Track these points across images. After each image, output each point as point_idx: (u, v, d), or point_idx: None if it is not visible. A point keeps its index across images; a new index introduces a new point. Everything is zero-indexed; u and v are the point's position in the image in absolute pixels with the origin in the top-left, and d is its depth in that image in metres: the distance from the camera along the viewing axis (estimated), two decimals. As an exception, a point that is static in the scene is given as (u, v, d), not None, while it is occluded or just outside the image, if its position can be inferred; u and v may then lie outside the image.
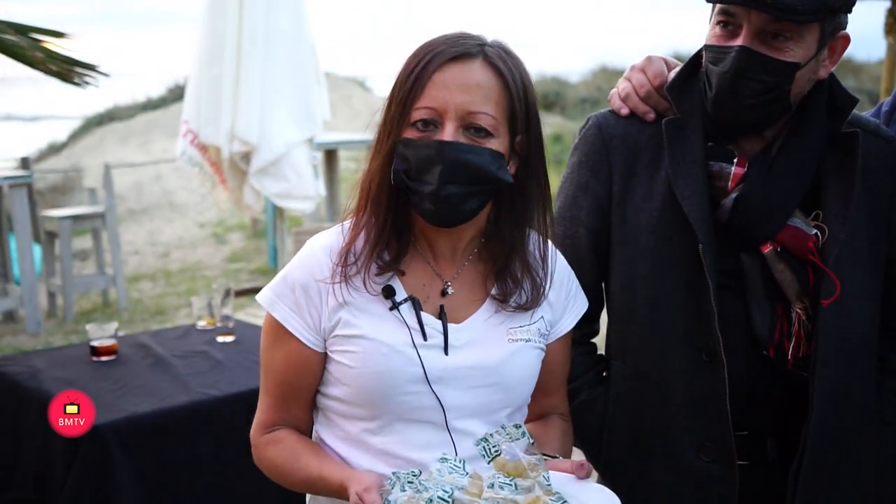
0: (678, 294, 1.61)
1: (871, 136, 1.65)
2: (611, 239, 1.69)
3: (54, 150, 16.48)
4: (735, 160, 1.59)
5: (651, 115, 1.67)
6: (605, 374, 1.75)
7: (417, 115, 1.37)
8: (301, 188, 6.12)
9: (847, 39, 1.57)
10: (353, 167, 11.42)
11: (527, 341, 1.50)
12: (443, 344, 1.43)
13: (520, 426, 1.43)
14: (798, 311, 1.59)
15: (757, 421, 1.62)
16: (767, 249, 1.58)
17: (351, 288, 1.43)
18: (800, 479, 1.57)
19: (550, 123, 15.90)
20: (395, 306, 1.43)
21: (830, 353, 1.56)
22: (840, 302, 1.56)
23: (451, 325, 1.45)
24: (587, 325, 1.77)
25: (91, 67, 2.93)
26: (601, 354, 1.78)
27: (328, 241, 1.47)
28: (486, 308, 1.49)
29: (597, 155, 1.69)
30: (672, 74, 1.66)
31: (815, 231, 1.58)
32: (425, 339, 1.42)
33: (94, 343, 3.10)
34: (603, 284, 1.75)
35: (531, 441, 1.42)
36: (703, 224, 1.56)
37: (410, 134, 1.37)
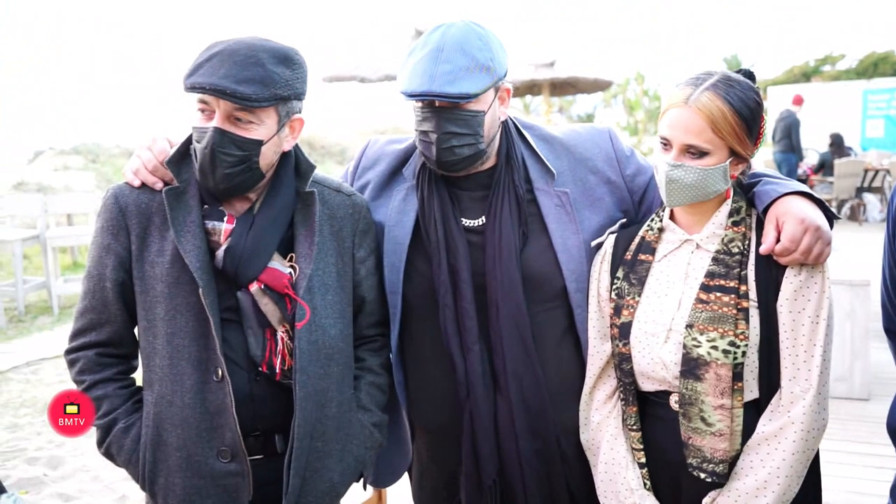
0: (190, 329, 1.95)
1: (334, 192, 2.14)
2: (134, 289, 2.01)
3: None
4: (225, 218, 1.99)
5: (159, 185, 2.01)
6: (139, 402, 2.06)
7: None
8: None
9: (301, 121, 2.02)
10: None
11: None
12: None
13: None
14: (282, 333, 2.02)
15: (263, 423, 2.03)
16: (253, 287, 1.99)
17: None
18: (292, 463, 1.99)
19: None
20: None
21: (307, 363, 2.01)
22: (313, 322, 2.01)
23: None
24: (123, 363, 2.08)
25: None
26: (139, 387, 2.09)
27: None
28: None
29: (115, 220, 2.00)
30: (172, 151, 2.03)
31: (289, 270, 2.03)
32: None
33: None
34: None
35: None
36: (202, 271, 1.93)
37: None
